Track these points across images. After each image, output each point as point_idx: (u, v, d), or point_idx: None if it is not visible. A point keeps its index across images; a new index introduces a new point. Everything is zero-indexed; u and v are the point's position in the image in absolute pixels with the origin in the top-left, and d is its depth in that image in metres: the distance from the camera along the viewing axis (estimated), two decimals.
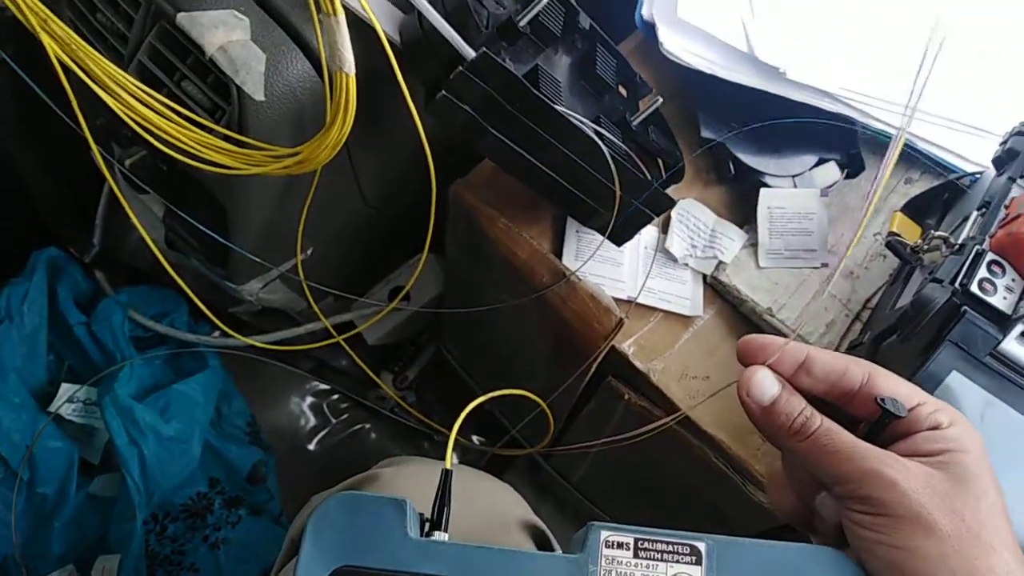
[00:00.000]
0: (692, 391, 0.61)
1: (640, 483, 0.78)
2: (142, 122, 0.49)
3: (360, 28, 0.48)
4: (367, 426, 0.92)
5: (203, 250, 0.65)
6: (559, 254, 0.62)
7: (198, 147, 0.49)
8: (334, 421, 0.91)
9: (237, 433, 0.80)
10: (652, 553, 0.36)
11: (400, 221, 0.74)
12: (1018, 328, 0.48)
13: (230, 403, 0.81)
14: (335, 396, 0.92)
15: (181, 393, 0.70)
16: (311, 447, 0.90)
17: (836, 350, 0.62)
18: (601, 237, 0.59)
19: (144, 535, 0.66)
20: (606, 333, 0.59)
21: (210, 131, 0.51)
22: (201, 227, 0.58)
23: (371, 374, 0.76)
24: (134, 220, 0.59)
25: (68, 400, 0.68)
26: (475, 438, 0.95)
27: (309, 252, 0.70)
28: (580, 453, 0.79)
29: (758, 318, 0.63)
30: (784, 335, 0.63)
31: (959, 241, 0.53)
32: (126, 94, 0.48)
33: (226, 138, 0.51)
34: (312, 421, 0.90)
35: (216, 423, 0.79)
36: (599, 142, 0.50)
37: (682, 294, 0.63)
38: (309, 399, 0.91)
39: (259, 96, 0.50)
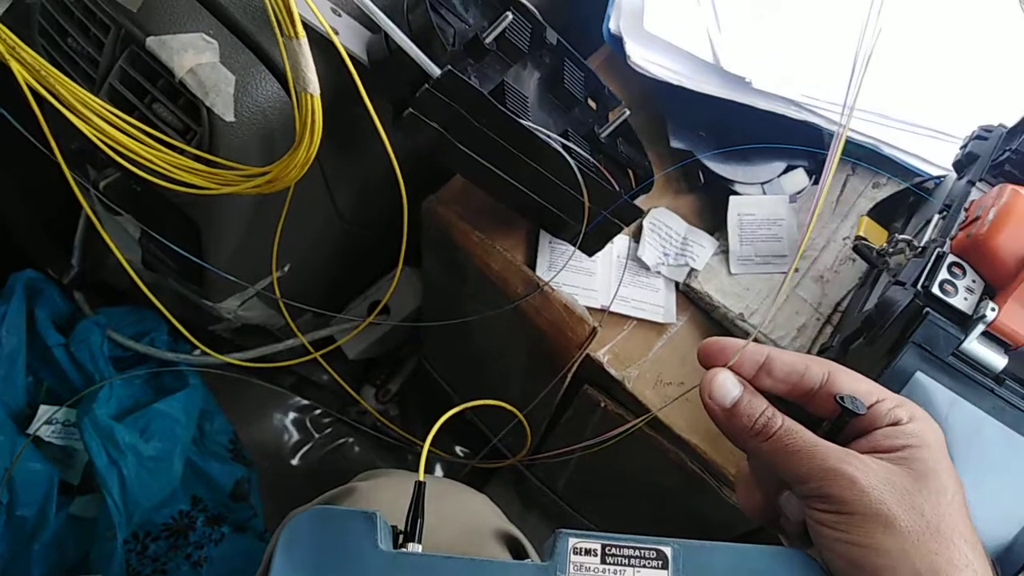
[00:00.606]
0: (667, 397, 0.61)
1: (621, 490, 0.78)
2: (114, 145, 0.50)
3: (329, 48, 0.49)
4: (350, 440, 0.92)
5: (179, 269, 0.65)
6: (532, 265, 0.62)
7: (170, 168, 0.50)
8: (317, 436, 0.91)
9: (219, 450, 0.80)
10: (619, 559, 0.36)
11: (377, 236, 0.75)
12: (978, 328, 0.49)
13: (212, 420, 0.81)
14: (317, 411, 0.92)
15: (161, 412, 0.70)
16: (294, 462, 0.90)
17: (807, 353, 0.63)
18: (573, 248, 0.60)
19: (125, 555, 0.66)
20: (580, 342, 0.59)
21: (182, 152, 0.52)
22: (175, 248, 0.59)
23: (350, 390, 0.77)
24: (109, 243, 0.59)
25: (47, 422, 0.68)
26: (459, 449, 0.95)
27: (286, 269, 0.70)
28: (561, 462, 0.79)
29: (730, 324, 0.64)
30: (757, 340, 0.64)
31: (921, 244, 0.55)
32: (97, 118, 0.49)
33: (197, 158, 0.51)
34: (295, 436, 0.91)
35: (198, 440, 0.79)
36: (566, 155, 0.51)
37: (655, 302, 0.64)
38: (292, 414, 0.91)
39: (229, 117, 0.50)
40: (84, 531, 0.68)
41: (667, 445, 0.62)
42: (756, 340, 0.63)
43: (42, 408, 0.68)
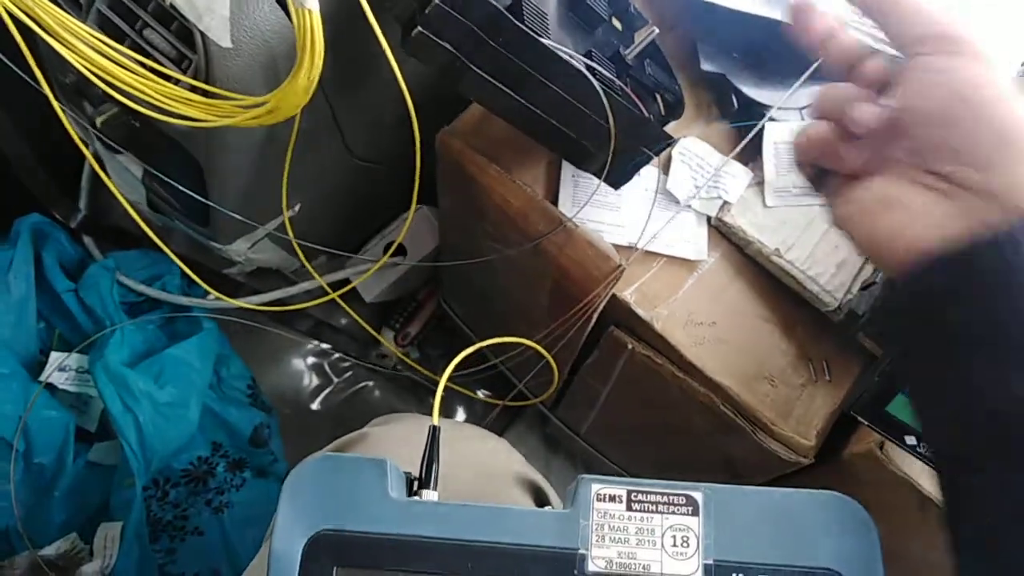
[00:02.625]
0: (698, 338, 0.58)
1: (649, 433, 0.76)
2: (104, 75, 0.47)
3: None
4: (371, 383, 0.90)
5: (184, 210, 0.62)
6: (555, 200, 0.59)
7: (164, 99, 0.47)
8: (336, 380, 0.90)
9: (237, 396, 0.79)
10: (646, 505, 0.34)
11: (391, 173, 0.71)
12: None
13: (228, 366, 0.79)
14: (336, 355, 0.90)
15: (175, 357, 0.69)
16: (314, 407, 0.89)
17: (847, 290, 0.60)
18: (598, 180, 0.56)
19: (145, 501, 0.65)
20: (606, 280, 0.56)
21: (177, 82, 0.48)
22: (178, 186, 0.56)
23: (370, 330, 0.75)
24: (109, 183, 0.57)
25: (59, 369, 0.67)
26: (481, 393, 0.93)
27: (296, 209, 0.67)
28: (587, 404, 0.77)
29: (765, 259, 0.60)
30: (794, 277, 0.60)
31: None
32: (85, 47, 0.46)
33: (193, 89, 0.48)
34: (314, 381, 0.89)
35: (215, 387, 0.78)
36: (590, 77, 0.47)
37: (685, 237, 0.60)
38: (310, 359, 0.89)
39: (225, 42, 0.47)
40: (103, 478, 0.68)
41: (698, 388, 0.59)
42: (793, 277, 0.60)
43: (53, 355, 0.67)
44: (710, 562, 0.33)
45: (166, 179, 0.54)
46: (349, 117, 0.62)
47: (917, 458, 0.48)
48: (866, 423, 0.48)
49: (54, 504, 0.65)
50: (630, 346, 0.61)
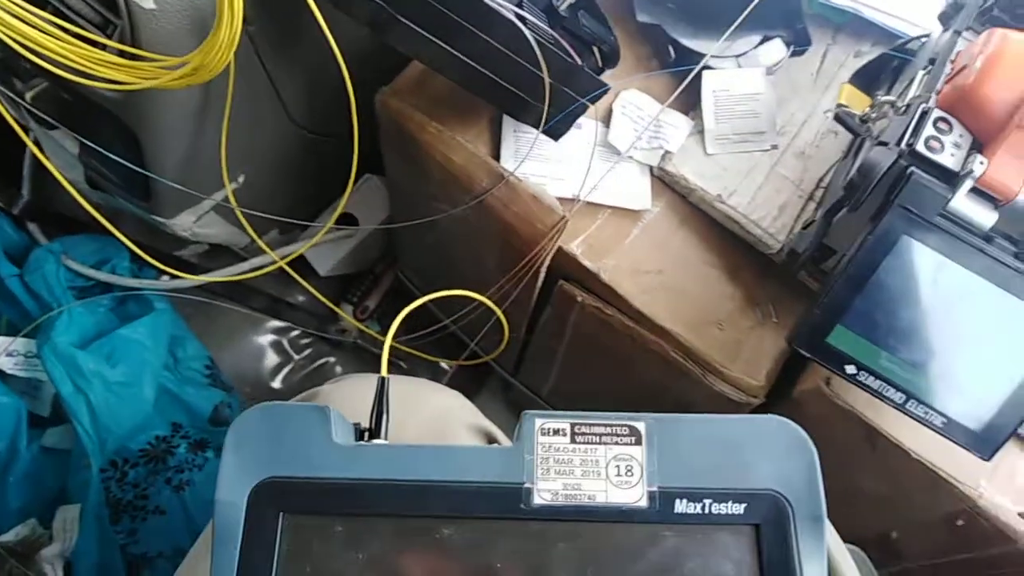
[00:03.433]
0: (645, 286, 0.59)
1: (608, 389, 0.77)
2: (27, 43, 0.45)
3: None
4: (331, 359, 0.90)
5: (123, 184, 0.61)
6: (497, 156, 0.59)
7: (87, 64, 0.45)
8: (296, 357, 0.89)
9: (195, 376, 0.78)
10: (590, 437, 0.34)
11: (337, 143, 0.71)
12: (966, 184, 0.46)
13: (184, 347, 0.78)
14: (295, 332, 0.90)
15: (126, 338, 0.68)
16: (275, 385, 0.88)
17: (790, 232, 0.61)
18: (537, 132, 0.56)
19: (103, 483, 0.65)
20: (551, 232, 0.56)
21: (104, 48, 0.47)
22: (113, 156, 0.55)
23: (327, 302, 0.74)
24: (41, 157, 0.56)
25: (7, 354, 0.66)
26: (444, 363, 0.93)
27: (241, 180, 0.66)
28: (545, 365, 0.78)
29: (708, 206, 0.61)
30: (737, 222, 0.61)
31: (906, 102, 0.51)
32: (6, 14, 0.45)
33: (121, 54, 0.47)
34: (274, 359, 0.89)
35: (172, 368, 0.77)
36: (520, 25, 0.47)
37: (629, 188, 0.61)
38: (269, 337, 0.89)
39: (148, 4, 0.46)
40: (59, 462, 0.67)
41: (648, 336, 0.60)
42: (736, 222, 0.60)
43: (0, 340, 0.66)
44: (654, 489, 0.33)
45: (101, 151, 0.53)
46: (288, 84, 0.61)
47: (857, 386, 0.49)
48: (807, 355, 0.49)
49: (9, 490, 0.64)
50: (580, 299, 0.61)
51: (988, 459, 0.47)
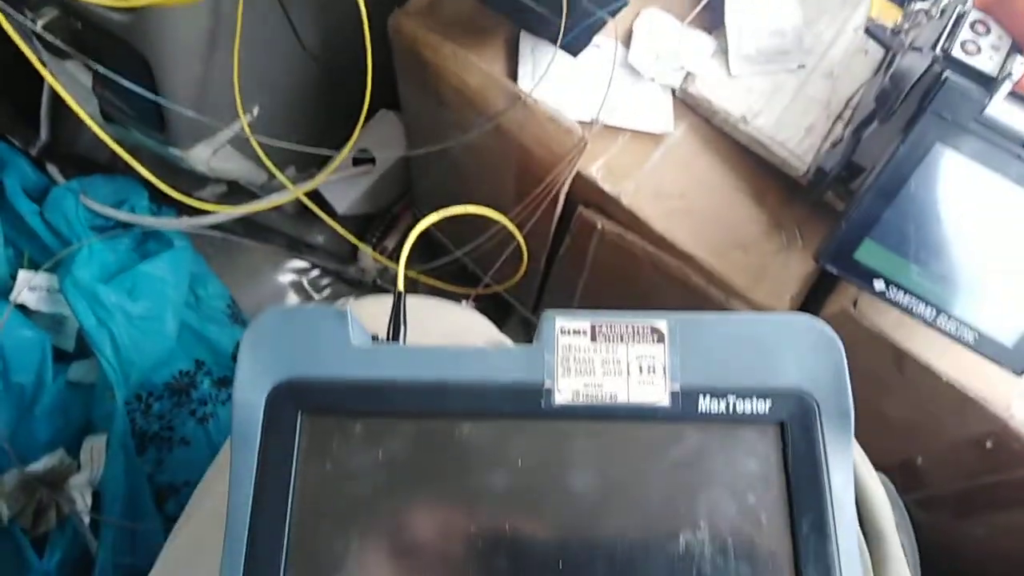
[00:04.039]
0: (667, 210, 0.58)
1: None
2: None
3: None
4: (351, 299, 0.90)
5: (138, 115, 0.61)
6: (515, 78, 0.58)
7: None
8: (316, 297, 0.90)
9: (217, 315, 0.78)
10: (611, 336, 0.34)
11: (350, 75, 0.69)
12: (1005, 88, 0.44)
13: (206, 285, 0.79)
14: (315, 273, 0.90)
15: (147, 273, 0.68)
16: None
17: (816, 153, 0.59)
18: (555, 49, 0.55)
19: (129, 415, 0.66)
20: (569, 155, 0.55)
21: None
22: (127, 84, 0.54)
23: (350, 236, 0.73)
24: (56, 85, 0.55)
25: (29, 289, 0.66)
26: (462, 299, 0.93)
27: (255, 112, 0.66)
28: (565, 299, 0.77)
29: (732, 128, 0.59)
30: (762, 144, 0.59)
31: (940, 7, 0.49)
32: None
33: None
34: (294, 299, 0.89)
35: (194, 306, 0.77)
36: None
37: (649, 111, 0.59)
38: (288, 277, 0.89)
39: None
40: (85, 396, 0.68)
41: (670, 261, 0.59)
42: (761, 144, 0.59)
43: (21, 274, 0.66)
44: (677, 388, 0.33)
45: (114, 77, 0.52)
46: (299, 10, 0.60)
47: (886, 303, 0.48)
48: (834, 271, 0.48)
49: (36, 422, 0.65)
50: (600, 225, 0.60)
51: (1021, 374, 0.46)
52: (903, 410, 0.60)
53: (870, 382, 0.57)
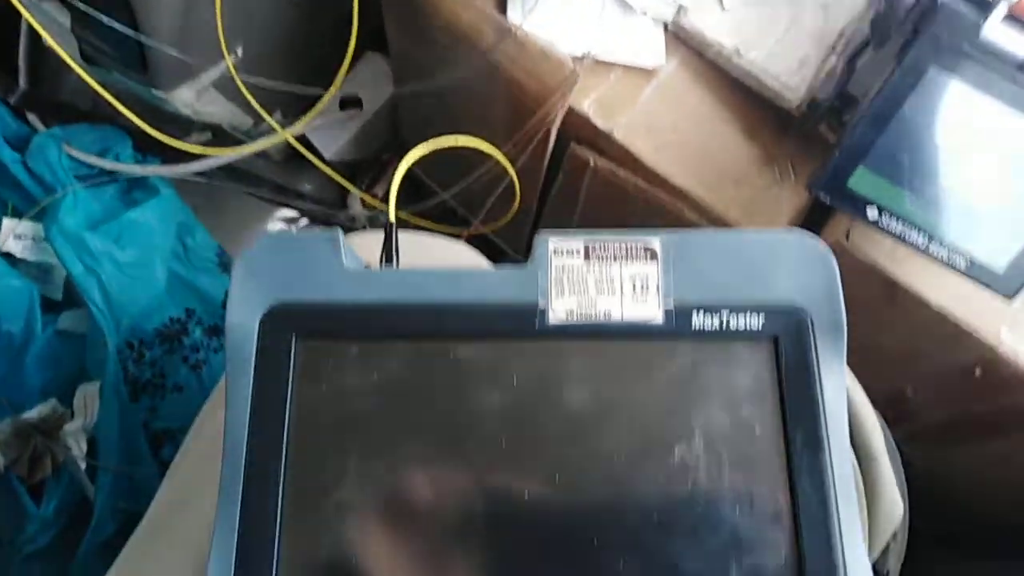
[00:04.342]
0: (659, 145, 0.57)
1: None
2: None
3: None
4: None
5: (119, 56, 0.59)
6: (503, 10, 0.56)
7: None
8: None
9: (207, 265, 0.78)
10: (604, 256, 0.34)
11: (336, 13, 0.68)
12: (1000, 10, 0.43)
13: (194, 235, 0.78)
14: (303, 221, 0.89)
15: (133, 220, 0.67)
16: None
17: (809, 86, 0.58)
18: None
19: (122, 363, 0.65)
20: (560, 88, 0.55)
21: None
22: (107, 21, 0.53)
23: (341, 180, 0.73)
24: (35, 24, 0.54)
25: (15, 237, 0.66)
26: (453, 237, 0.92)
27: (239, 53, 0.64)
28: None
29: (725, 61, 0.59)
30: (755, 77, 0.59)
31: None
32: None
33: None
34: None
35: (183, 257, 0.76)
36: None
37: (641, 45, 0.58)
38: (277, 226, 0.88)
39: None
40: (75, 345, 0.68)
41: (663, 197, 0.58)
42: (755, 76, 0.58)
43: (5, 222, 0.65)
44: (670, 305, 0.33)
45: (95, 15, 0.51)
46: None
47: (879, 232, 0.48)
48: (827, 200, 0.48)
49: (28, 371, 0.64)
50: (592, 162, 0.60)
51: (1012, 298, 0.47)
52: (894, 342, 0.61)
53: (862, 315, 0.57)
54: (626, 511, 0.30)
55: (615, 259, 0.34)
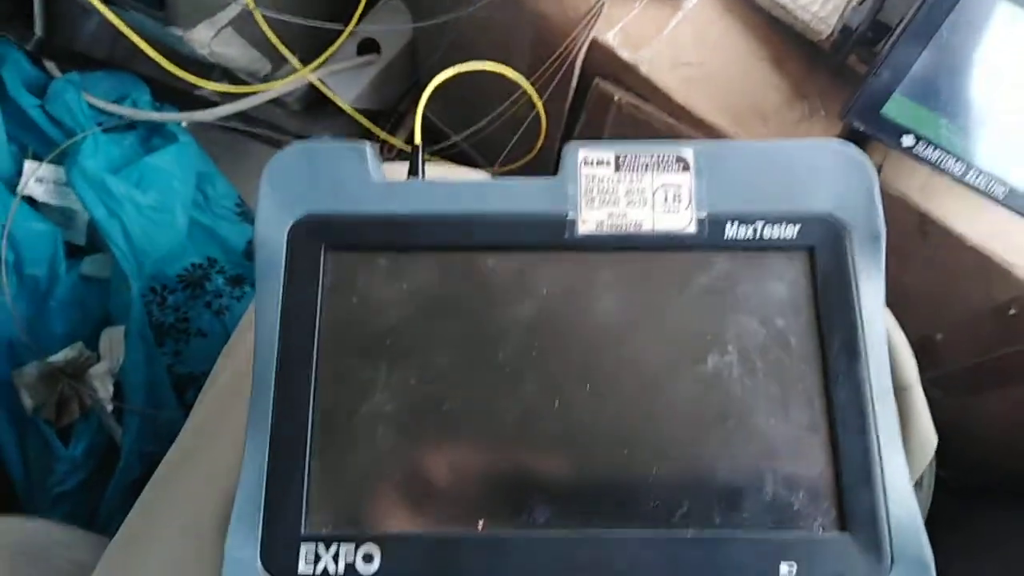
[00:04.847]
0: (686, 78, 0.56)
1: None
2: None
3: None
4: None
5: None
6: None
7: None
8: None
9: (226, 214, 0.78)
10: (636, 166, 0.33)
11: None
12: None
13: (214, 184, 0.78)
14: None
15: (153, 166, 0.67)
16: None
17: (841, 17, 0.57)
18: None
19: (146, 306, 0.66)
20: (584, 19, 0.53)
21: None
22: None
23: (364, 120, 0.72)
24: None
25: (36, 180, 0.66)
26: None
27: None
28: None
29: None
30: (784, 8, 0.57)
31: None
32: None
33: None
34: None
35: (203, 206, 0.76)
36: None
37: None
38: None
39: None
40: (99, 290, 0.68)
41: (689, 133, 0.57)
42: (784, 7, 0.57)
43: (27, 165, 0.65)
44: (703, 215, 0.32)
45: None
46: None
47: (915, 160, 0.47)
48: (861, 128, 0.47)
49: (53, 314, 0.65)
50: (617, 98, 0.58)
51: None
52: (925, 283, 0.59)
53: (893, 253, 0.56)
54: (657, 421, 0.30)
55: (647, 169, 0.33)
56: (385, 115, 0.89)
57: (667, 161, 0.33)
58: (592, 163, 0.33)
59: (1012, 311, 0.55)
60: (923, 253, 0.56)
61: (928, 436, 0.42)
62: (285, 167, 0.33)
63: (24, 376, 0.64)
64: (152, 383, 0.64)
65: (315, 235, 0.32)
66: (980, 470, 0.78)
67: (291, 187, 0.33)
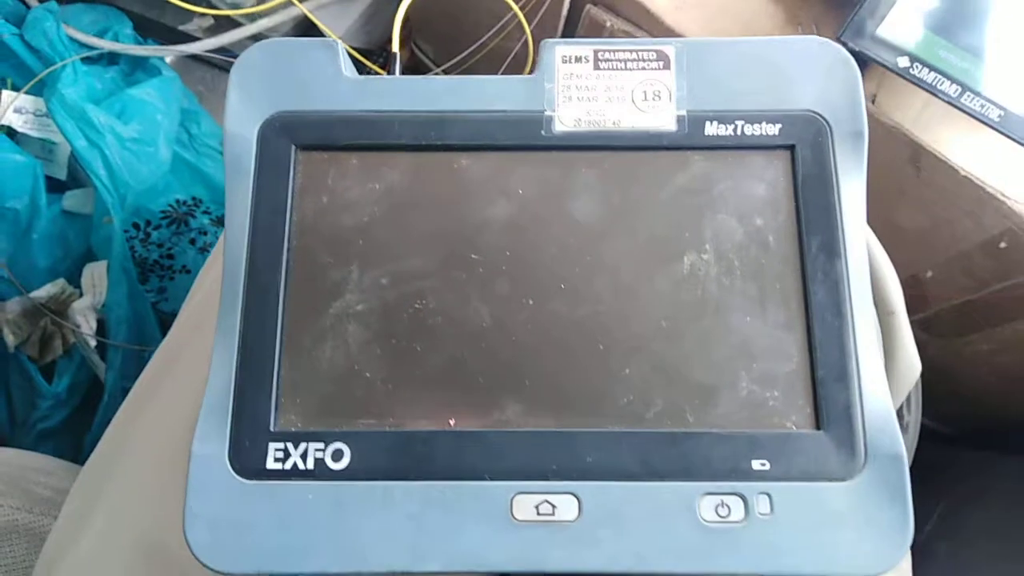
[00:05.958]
0: (679, 4, 0.55)
1: None
2: None
3: None
4: None
5: None
6: None
7: None
8: None
9: (211, 152, 0.76)
10: (615, 63, 0.32)
11: None
12: None
13: (198, 123, 0.76)
14: None
15: (136, 98, 0.66)
16: None
17: None
18: None
19: (129, 243, 0.65)
20: None
21: None
22: None
23: (356, 54, 0.70)
24: None
25: (15, 110, 0.64)
26: None
27: None
28: None
29: None
30: None
31: None
32: None
33: None
34: None
35: (187, 144, 0.75)
36: None
37: None
38: None
39: None
40: (81, 226, 0.67)
41: None
42: None
43: (5, 94, 0.64)
44: (683, 113, 0.31)
45: None
46: None
47: (910, 82, 0.46)
48: (856, 48, 0.46)
49: (35, 248, 0.64)
50: (609, 24, 0.57)
51: None
52: (917, 218, 0.59)
53: (885, 187, 0.56)
54: (632, 319, 0.29)
55: (626, 67, 0.32)
56: (375, 54, 0.88)
57: (648, 58, 0.32)
58: (570, 60, 0.32)
59: (1003, 244, 0.54)
60: (916, 186, 0.55)
61: (912, 361, 0.42)
62: (254, 65, 0.32)
63: (6, 312, 0.63)
64: (136, 318, 0.64)
65: (285, 134, 0.31)
66: (964, 416, 0.78)
67: (260, 85, 0.32)
